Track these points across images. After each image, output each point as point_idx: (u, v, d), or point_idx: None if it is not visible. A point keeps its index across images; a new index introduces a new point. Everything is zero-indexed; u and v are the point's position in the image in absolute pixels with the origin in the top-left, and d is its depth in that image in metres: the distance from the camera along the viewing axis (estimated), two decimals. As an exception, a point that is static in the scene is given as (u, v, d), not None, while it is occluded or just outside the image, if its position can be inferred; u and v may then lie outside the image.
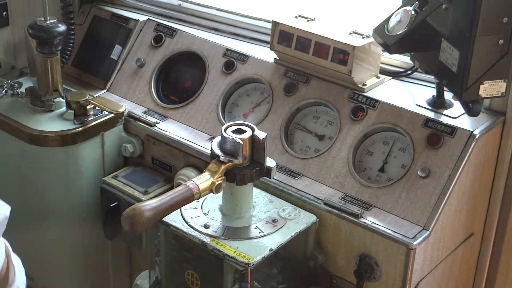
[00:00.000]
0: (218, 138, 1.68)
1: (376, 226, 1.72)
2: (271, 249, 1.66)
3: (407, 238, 1.68)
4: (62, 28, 2.10)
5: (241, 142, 1.62)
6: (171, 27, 2.28)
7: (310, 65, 1.99)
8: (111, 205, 2.08)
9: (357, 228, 1.74)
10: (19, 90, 2.24)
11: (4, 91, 2.24)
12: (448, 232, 1.81)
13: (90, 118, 2.12)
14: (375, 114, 1.89)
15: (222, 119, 2.05)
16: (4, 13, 2.31)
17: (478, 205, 1.92)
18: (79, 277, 2.30)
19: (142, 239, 2.05)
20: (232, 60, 2.13)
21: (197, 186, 1.60)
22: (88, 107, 2.11)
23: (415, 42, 1.79)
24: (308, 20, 2.04)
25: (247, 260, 1.61)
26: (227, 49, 2.16)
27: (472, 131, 1.78)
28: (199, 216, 1.74)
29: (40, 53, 2.11)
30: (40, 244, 2.24)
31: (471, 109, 1.75)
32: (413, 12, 1.76)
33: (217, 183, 1.62)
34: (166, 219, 1.69)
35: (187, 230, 1.69)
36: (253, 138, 1.65)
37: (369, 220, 1.73)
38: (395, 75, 2.05)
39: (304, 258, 1.80)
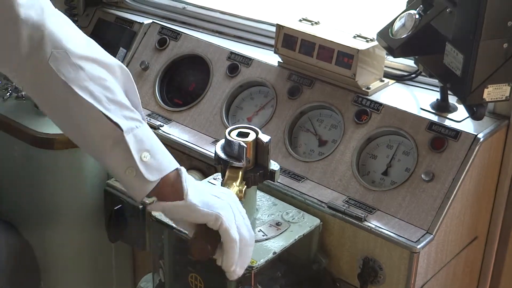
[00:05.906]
0: (222, 141, 1.67)
1: (380, 229, 1.71)
2: (274, 252, 1.65)
3: (410, 241, 1.68)
4: (66, 31, 2.10)
5: (245, 145, 1.62)
6: (176, 30, 2.28)
7: (314, 69, 1.99)
8: (115, 208, 2.08)
9: (361, 232, 1.74)
10: (23, 93, 2.24)
11: (8, 93, 2.25)
12: (452, 235, 1.81)
13: (94, 121, 2.12)
14: (379, 118, 1.88)
15: (226, 122, 2.05)
16: (8, 16, 2.32)
17: (482, 208, 1.91)
18: (83, 280, 2.30)
19: (146, 242, 2.05)
20: (236, 63, 2.13)
21: None
22: (92, 109, 2.11)
23: (419, 45, 1.79)
24: (312, 24, 2.04)
25: (251, 263, 1.60)
26: (231, 52, 2.16)
27: (476, 135, 1.77)
28: (203, 219, 1.73)
29: (44, 55, 2.11)
30: (44, 246, 2.24)
31: (475, 113, 1.74)
32: (417, 16, 1.76)
33: (244, 189, 1.60)
34: (169, 221, 1.68)
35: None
36: (257, 141, 1.65)
37: (373, 223, 1.73)
38: (399, 78, 2.05)
39: (307, 261, 1.80)
